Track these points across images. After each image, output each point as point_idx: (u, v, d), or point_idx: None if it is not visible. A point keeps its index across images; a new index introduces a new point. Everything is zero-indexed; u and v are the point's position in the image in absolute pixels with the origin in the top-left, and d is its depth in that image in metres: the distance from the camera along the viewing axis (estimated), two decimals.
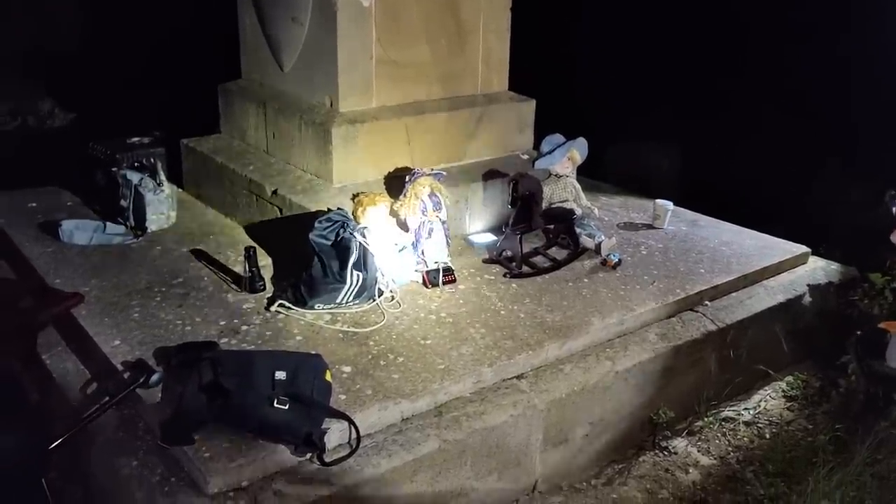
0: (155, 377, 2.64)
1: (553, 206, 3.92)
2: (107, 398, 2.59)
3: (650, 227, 4.14)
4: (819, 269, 3.96)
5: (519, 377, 2.93)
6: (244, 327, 3.05)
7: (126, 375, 2.69)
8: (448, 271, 3.45)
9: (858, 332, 3.46)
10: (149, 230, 3.91)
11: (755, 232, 4.13)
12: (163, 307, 3.20)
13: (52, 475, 2.57)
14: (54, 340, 3.11)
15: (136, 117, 4.85)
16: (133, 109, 5.14)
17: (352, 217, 3.32)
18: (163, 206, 3.97)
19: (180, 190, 4.41)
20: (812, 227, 4.24)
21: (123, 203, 3.92)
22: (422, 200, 3.50)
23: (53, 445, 2.41)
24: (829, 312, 3.77)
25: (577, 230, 3.79)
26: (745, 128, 5.16)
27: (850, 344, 3.44)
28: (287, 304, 3.16)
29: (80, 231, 3.80)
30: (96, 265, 3.58)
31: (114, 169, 4.06)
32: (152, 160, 4.12)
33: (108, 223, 3.88)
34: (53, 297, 3.18)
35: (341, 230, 3.21)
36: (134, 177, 3.94)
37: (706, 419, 3.36)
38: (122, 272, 3.51)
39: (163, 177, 4.01)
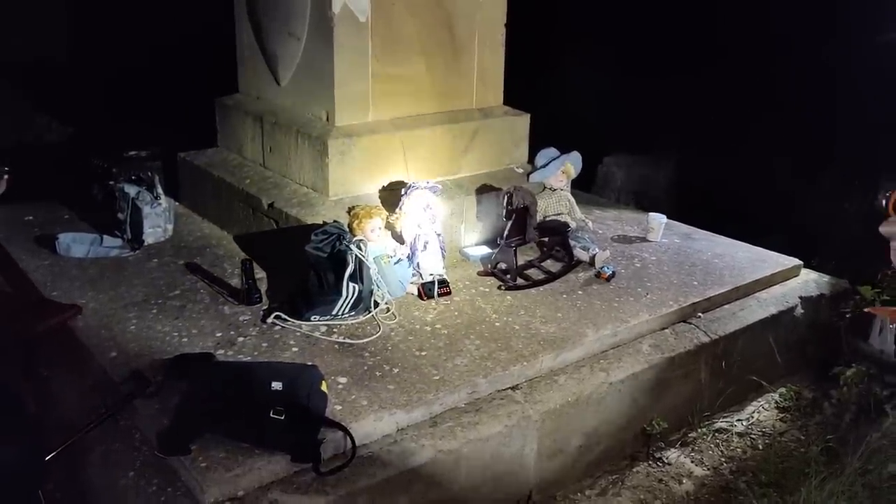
0: (151, 388, 2.66)
1: (547, 219, 3.95)
2: (104, 409, 2.61)
3: (644, 239, 4.17)
4: (811, 281, 3.99)
5: (514, 388, 2.95)
6: (240, 339, 3.07)
7: (123, 387, 2.70)
8: (443, 283, 3.48)
9: (847, 315, 3.65)
10: (146, 243, 3.93)
11: (748, 245, 4.16)
12: (159, 319, 3.22)
13: (49, 486, 2.58)
14: (52, 352, 3.12)
15: (134, 131, 4.88)
16: (130, 123, 5.17)
17: (347, 230, 3.35)
18: (160, 219, 3.99)
19: (177, 203, 4.44)
20: (804, 239, 4.28)
21: (120, 216, 3.95)
22: (417, 213, 3.53)
23: (50, 456, 2.42)
24: (820, 324, 3.81)
25: (572, 243, 3.82)
26: (737, 141, 5.20)
27: (840, 327, 3.66)
28: (283, 315, 3.18)
29: (77, 244, 3.82)
30: (93, 278, 3.59)
31: (111, 182, 4.09)
32: (149, 173, 4.14)
33: (105, 236, 3.90)
34: (51, 309, 3.19)
35: (337, 242, 3.23)
36: (131, 190, 3.97)
37: (700, 430, 3.39)
38: (118, 285, 3.53)
39: (160, 190, 4.04)
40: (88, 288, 3.49)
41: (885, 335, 3.48)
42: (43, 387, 2.98)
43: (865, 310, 3.52)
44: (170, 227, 4.07)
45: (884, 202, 3.49)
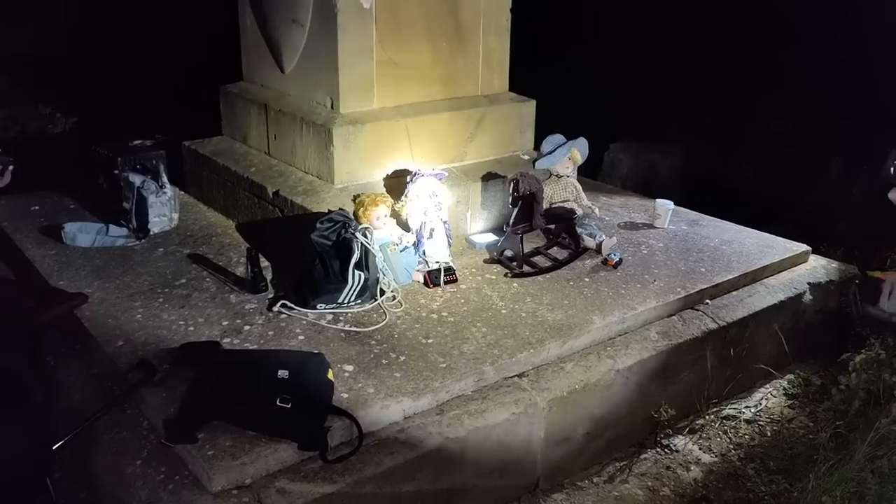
0: (158, 377, 2.66)
1: (554, 205, 3.93)
2: (111, 398, 2.61)
3: (651, 226, 4.15)
4: (820, 267, 3.96)
5: (520, 375, 2.94)
6: (246, 327, 3.06)
7: (129, 375, 2.70)
8: (449, 271, 3.47)
9: (856, 282, 3.72)
10: (151, 232, 3.93)
11: (756, 231, 4.13)
12: (165, 308, 3.22)
13: (57, 474, 2.59)
14: (58, 341, 3.13)
15: (138, 120, 4.87)
16: (134, 112, 5.16)
17: (353, 217, 3.33)
18: (165, 208, 3.99)
19: (182, 192, 4.43)
20: (812, 226, 4.26)
21: (126, 205, 3.94)
22: (423, 200, 3.52)
23: (57, 445, 2.43)
24: (829, 311, 3.79)
25: (578, 230, 3.81)
26: (745, 128, 5.18)
27: (850, 292, 3.74)
28: (289, 304, 3.18)
29: (82, 233, 3.82)
30: (99, 267, 3.59)
31: (116, 171, 4.08)
32: (154, 162, 4.12)
33: (110, 225, 3.90)
34: (57, 298, 3.19)
35: (342, 230, 3.22)
36: (136, 179, 3.96)
37: (707, 417, 3.37)
38: (124, 274, 3.53)
39: (165, 179, 4.03)
40: (94, 277, 3.49)
41: (895, 299, 3.56)
42: (50, 375, 2.98)
43: (875, 276, 3.62)
44: (175, 215, 4.07)
45: (892, 170, 3.54)
